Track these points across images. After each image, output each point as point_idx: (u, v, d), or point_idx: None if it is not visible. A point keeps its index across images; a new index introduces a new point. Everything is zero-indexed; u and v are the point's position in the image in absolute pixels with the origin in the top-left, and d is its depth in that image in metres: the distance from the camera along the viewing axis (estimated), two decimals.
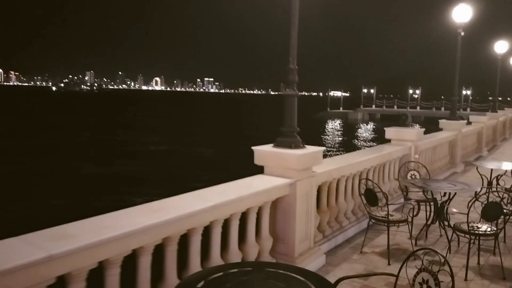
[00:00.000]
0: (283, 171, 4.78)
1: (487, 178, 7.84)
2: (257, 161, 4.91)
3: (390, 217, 5.33)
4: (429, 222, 5.98)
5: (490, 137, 17.51)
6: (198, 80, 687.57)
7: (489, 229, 4.81)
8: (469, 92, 62.90)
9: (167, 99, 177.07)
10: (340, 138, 42.07)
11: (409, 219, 5.61)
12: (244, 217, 4.32)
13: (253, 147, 4.93)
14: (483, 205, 4.69)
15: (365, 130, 51.16)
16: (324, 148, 5.08)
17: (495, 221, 4.79)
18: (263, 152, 4.89)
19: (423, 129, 8.76)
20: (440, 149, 10.99)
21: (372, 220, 5.49)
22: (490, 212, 4.61)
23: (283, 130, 4.92)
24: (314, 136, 41.60)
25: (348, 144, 37.66)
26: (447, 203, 5.80)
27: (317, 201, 5.74)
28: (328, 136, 43.52)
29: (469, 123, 15.05)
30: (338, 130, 50.89)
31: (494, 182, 7.42)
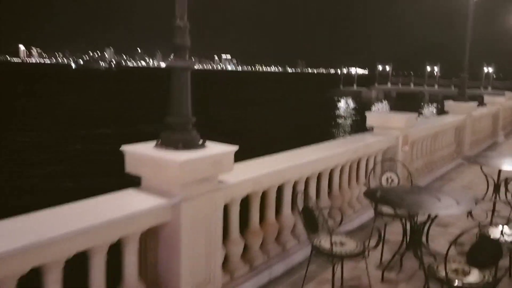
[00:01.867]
0: (167, 186, 3.16)
1: (493, 180, 6.06)
2: (130, 168, 3.27)
3: (339, 248, 3.68)
4: (402, 249, 4.31)
5: (508, 120, 15.43)
6: (216, 57, 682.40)
7: (479, 279, 3.08)
8: (491, 70, 59.45)
9: None
10: (350, 119, 39.92)
11: (371, 247, 3.92)
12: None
13: (124, 147, 3.29)
14: (472, 245, 2.99)
15: (378, 110, 48.87)
16: (235, 148, 3.40)
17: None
18: (138, 155, 3.26)
19: (416, 114, 6.96)
20: (442, 137, 9.17)
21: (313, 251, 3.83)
22: (482, 256, 2.91)
23: (169, 122, 3.26)
24: (320, 116, 39.71)
25: (357, 125, 35.64)
26: (426, 225, 4.11)
27: (247, 218, 4.15)
28: (336, 116, 41.45)
29: (483, 104, 13.10)
30: (348, 110, 48.61)
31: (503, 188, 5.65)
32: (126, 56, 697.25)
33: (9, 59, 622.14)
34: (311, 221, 3.66)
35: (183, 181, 3.07)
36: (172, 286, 3.16)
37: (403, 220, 4.34)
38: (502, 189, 5.87)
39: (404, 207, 3.97)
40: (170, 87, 3.23)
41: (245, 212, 4.18)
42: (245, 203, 4.11)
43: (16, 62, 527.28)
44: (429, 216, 4.00)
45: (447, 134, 9.47)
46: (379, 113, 6.72)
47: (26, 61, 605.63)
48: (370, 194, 4.20)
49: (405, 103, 52.61)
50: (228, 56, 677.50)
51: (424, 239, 4.25)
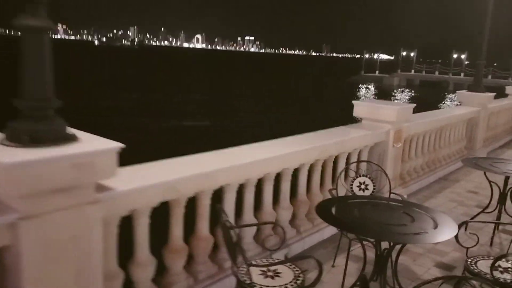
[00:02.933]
0: (3, 197, 2.27)
1: (498, 188, 4.98)
2: None
3: (268, 282, 2.74)
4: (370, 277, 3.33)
5: None
6: (239, 38, 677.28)
7: None
8: None
9: (202, 59, 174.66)
10: None
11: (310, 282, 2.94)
12: None
13: None
14: None
15: (399, 98, 46.94)
16: (117, 145, 2.46)
17: None
18: None
19: (412, 105, 5.87)
20: (450, 132, 8.03)
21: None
22: None
23: (17, 106, 2.34)
24: (338, 103, 38.28)
25: None
26: (392, 255, 3.13)
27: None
28: (347, 103, 39.89)
29: (503, 95, 11.82)
30: (364, 97, 46.82)
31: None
32: (149, 35, 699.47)
33: None
34: (229, 244, 2.72)
35: (21, 192, 2.16)
36: None
37: (373, 244, 3.35)
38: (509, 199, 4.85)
39: (359, 231, 2.98)
40: (19, 57, 2.30)
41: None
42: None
43: None
44: (389, 245, 3.01)
45: (456, 129, 8.31)
46: (367, 103, 5.68)
47: (52, 36, 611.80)
48: (322, 209, 3.21)
49: (428, 91, 50.60)
50: (252, 38, 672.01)
51: (392, 269, 3.26)
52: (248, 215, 3.91)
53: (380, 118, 5.58)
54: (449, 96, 48.25)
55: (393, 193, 4.15)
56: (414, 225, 3.01)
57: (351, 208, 3.30)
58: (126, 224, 2.97)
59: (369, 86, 55.15)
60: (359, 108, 5.70)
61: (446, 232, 2.94)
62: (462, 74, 54.76)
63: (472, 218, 3.89)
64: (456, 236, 3.18)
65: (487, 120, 9.27)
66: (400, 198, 3.81)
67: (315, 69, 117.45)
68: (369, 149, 5.59)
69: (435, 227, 2.98)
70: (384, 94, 48.95)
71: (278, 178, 4.24)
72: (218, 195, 3.62)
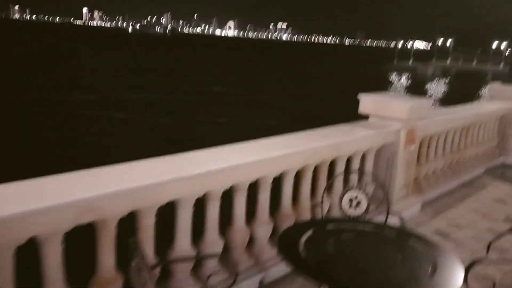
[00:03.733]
0: None
1: None
2: None
3: None
4: None
5: None
6: (271, 25, 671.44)
7: None
8: None
9: (230, 47, 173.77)
10: None
11: None
12: None
13: None
14: None
15: (433, 89, 44.90)
16: None
17: None
18: None
19: (429, 101, 5.00)
20: (478, 130, 7.08)
21: None
22: None
23: None
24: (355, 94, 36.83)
25: None
26: None
27: None
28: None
29: None
30: (393, 88, 44.95)
31: None
32: (183, 21, 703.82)
33: (72, 21, 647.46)
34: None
35: None
36: None
37: None
38: None
39: (324, 278, 2.23)
40: None
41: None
42: None
43: (78, 25, 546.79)
44: None
45: (486, 127, 7.33)
46: (375, 96, 4.82)
47: (88, 23, 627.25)
48: (287, 238, 2.48)
49: (464, 82, 48.29)
50: (284, 25, 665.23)
51: None
52: (211, 235, 3.22)
53: (390, 115, 4.75)
54: (487, 88, 45.89)
55: (393, 214, 3.36)
56: (403, 268, 2.25)
57: (327, 238, 2.56)
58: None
59: (401, 76, 53.13)
60: (366, 102, 4.88)
61: (446, 280, 2.17)
62: (501, 64, 51.92)
63: (492, 242, 3.07)
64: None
65: None
66: (398, 223, 3.03)
67: (345, 58, 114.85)
68: (376, 152, 4.79)
69: (433, 271, 2.22)
70: (414, 84, 47.05)
71: (255, 187, 3.54)
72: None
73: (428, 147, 5.85)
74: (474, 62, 53.93)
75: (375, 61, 75.35)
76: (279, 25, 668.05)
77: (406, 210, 4.96)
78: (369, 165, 4.73)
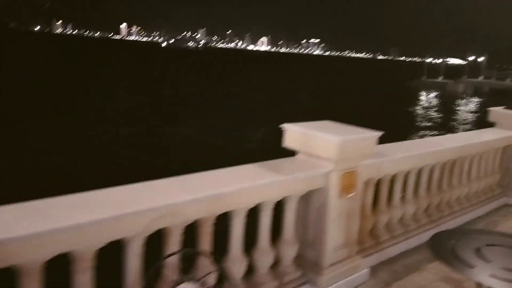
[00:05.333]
0: None
1: None
2: None
3: None
4: None
5: None
6: (303, 41, 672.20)
7: None
8: None
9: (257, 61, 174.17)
10: (422, 118, 34.76)
11: None
12: None
13: None
14: None
15: (463, 108, 42.55)
16: None
17: None
18: None
19: (377, 133, 3.76)
20: (471, 164, 5.77)
21: None
22: None
23: None
24: (393, 110, 35.28)
25: (427, 126, 30.89)
26: None
27: None
28: (411, 112, 36.46)
29: None
30: (426, 106, 42.79)
31: None
32: (217, 37, 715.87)
33: (112, 35, 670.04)
34: None
35: None
36: None
37: None
38: None
39: None
40: None
41: None
42: None
43: (115, 39, 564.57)
44: None
45: (482, 161, 5.99)
46: (301, 128, 3.66)
47: (126, 38, 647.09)
48: None
49: (499, 100, 45.65)
50: (316, 41, 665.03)
51: None
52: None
53: (318, 153, 3.59)
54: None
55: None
56: None
57: None
58: None
59: (429, 93, 50.89)
60: (291, 135, 3.73)
61: None
62: None
63: None
64: None
65: None
66: None
67: (374, 73, 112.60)
68: (305, 200, 3.64)
69: None
70: (445, 102, 44.80)
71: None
72: None
73: (391, 189, 4.63)
74: (508, 80, 51.11)
75: (404, 77, 73.04)
76: (312, 40, 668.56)
77: (344, 278, 3.76)
78: (288, 218, 3.58)
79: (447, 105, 42.43)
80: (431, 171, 5.10)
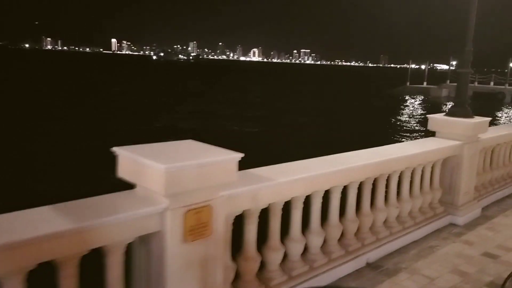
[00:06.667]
0: None
1: None
2: None
3: None
4: None
5: None
6: (295, 51, 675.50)
7: None
8: None
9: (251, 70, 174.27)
10: (400, 123, 34.07)
11: None
12: None
13: None
14: None
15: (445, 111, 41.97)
16: None
17: None
18: None
19: (236, 155, 2.93)
20: (402, 181, 4.98)
21: None
22: None
23: None
24: (379, 115, 34.68)
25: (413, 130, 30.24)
26: None
27: None
28: (388, 117, 35.79)
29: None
30: (405, 111, 42.05)
31: None
32: (208, 49, 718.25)
33: (102, 51, 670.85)
34: None
35: None
36: None
37: None
38: None
39: None
40: None
41: None
42: None
43: (106, 53, 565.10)
44: None
45: (416, 175, 5.20)
46: (132, 152, 2.86)
47: (116, 52, 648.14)
48: None
49: (481, 104, 45.23)
50: (308, 51, 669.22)
51: None
52: None
53: (149, 186, 2.76)
54: (506, 109, 42.86)
55: None
56: None
57: None
58: None
59: (413, 99, 50.38)
60: (122, 160, 2.91)
61: None
62: None
63: None
64: None
65: (476, 158, 6.00)
66: None
67: (361, 80, 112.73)
68: (142, 247, 2.81)
69: None
70: (430, 107, 44.26)
71: None
72: None
73: (289, 218, 3.81)
74: (491, 83, 50.79)
75: (390, 83, 72.76)
76: (303, 50, 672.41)
77: None
78: (110, 275, 2.73)
79: (428, 110, 41.85)
80: (347, 192, 4.31)
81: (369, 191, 4.59)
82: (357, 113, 36.47)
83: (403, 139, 25.60)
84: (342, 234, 4.38)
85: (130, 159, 2.86)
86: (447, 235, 5.36)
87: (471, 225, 5.67)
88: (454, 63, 56.61)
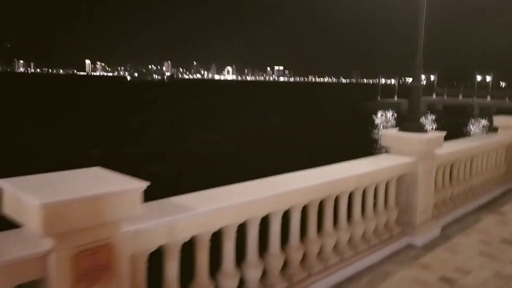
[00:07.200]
0: None
1: None
2: None
3: None
4: None
5: None
6: (268, 68, 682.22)
7: None
8: None
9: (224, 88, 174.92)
10: (369, 138, 34.27)
11: None
12: None
13: None
14: None
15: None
16: None
17: None
18: None
19: (138, 186, 2.54)
20: (352, 202, 4.64)
21: None
22: None
23: None
24: (354, 130, 34.77)
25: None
26: None
27: None
28: (358, 132, 35.98)
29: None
30: (375, 125, 42.44)
31: None
32: (182, 69, 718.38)
33: (76, 72, 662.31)
34: None
35: None
36: None
37: None
38: None
39: None
40: None
41: None
42: None
43: (81, 75, 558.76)
44: None
45: (368, 195, 4.88)
46: (10, 183, 2.44)
47: (91, 74, 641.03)
48: None
49: (452, 117, 46.15)
50: (281, 68, 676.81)
51: None
52: None
53: (29, 224, 2.34)
54: (476, 121, 43.75)
55: None
56: None
57: None
58: None
59: (384, 113, 50.97)
60: (6, 194, 2.47)
61: None
62: (488, 97, 49.95)
63: None
64: None
65: (433, 175, 5.74)
66: None
67: (332, 95, 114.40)
68: None
69: None
70: (401, 120, 44.86)
71: None
72: None
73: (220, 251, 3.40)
74: (460, 96, 51.99)
75: (361, 98, 73.74)
76: (276, 68, 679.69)
77: None
78: None
79: (398, 123, 42.38)
80: (289, 216, 3.94)
81: (315, 214, 4.23)
82: (325, 128, 36.63)
83: (372, 154, 25.60)
84: (286, 263, 4.00)
85: (11, 193, 2.42)
86: (403, 259, 5.03)
87: (430, 246, 5.37)
88: (423, 76, 57.88)
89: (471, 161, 7.13)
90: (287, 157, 21.79)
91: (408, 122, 5.54)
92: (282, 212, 3.81)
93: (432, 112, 50.89)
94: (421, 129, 5.45)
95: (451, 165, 6.60)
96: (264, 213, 3.62)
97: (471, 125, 42.53)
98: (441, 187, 6.32)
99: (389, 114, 50.73)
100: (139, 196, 2.56)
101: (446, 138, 5.91)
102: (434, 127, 41.11)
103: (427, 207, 5.65)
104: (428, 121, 46.38)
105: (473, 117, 46.93)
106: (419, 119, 5.56)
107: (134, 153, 24.33)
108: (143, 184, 2.55)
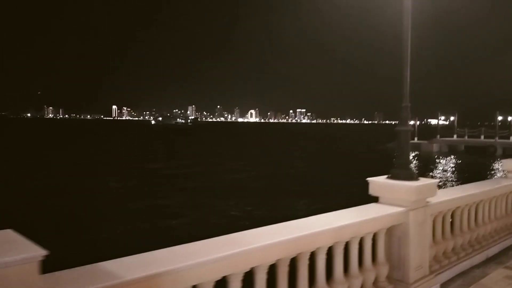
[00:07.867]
0: None
1: None
2: None
3: None
4: None
5: None
6: (291, 111, 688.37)
7: None
8: None
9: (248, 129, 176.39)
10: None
11: None
12: None
13: None
14: None
15: (441, 167, 41.34)
16: None
17: None
18: None
19: (34, 255, 2.27)
20: (337, 257, 4.23)
21: None
22: None
23: None
24: (375, 169, 33.88)
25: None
26: None
27: None
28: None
29: None
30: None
31: None
32: (206, 112, 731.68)
33: (102, 117, 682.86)
34: None
35: None
36: None
37: None
38: None
39: None
40: None
41: None
42: None
43: (107, 119, 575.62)
44: None
45: (352, 250, 4.45)
46: None
47: (117, 119, 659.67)
48: None
49: (475, 158, 44.83)
50: (303, 110, 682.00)
51: None
52: None
53: None
54: (497, 163, 42.27)
55: None
56: None
57: None
58: None
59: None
60: None
61: None
62: (511, 138, 48.50)
63: None
64: None
65: (427, 226, 5.28)
66: None
67: (353, 136, 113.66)
68: None
69: None
70: (424, 162, 43.71)
71: None
72: None
73: None
74: (482, 137, 50.68)
75: (381, 139, 72.82)
76: (299, 110, 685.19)
77: None
78: None
79: (420, 164, 41.30)
80: (253, 278, 3.57)
81: (285, 275, 3.84)
82: (344, 169, 35.95)
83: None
84: None
85: None
86: None
87: None
88: (442, 118, 57.02)
89: (476, 209, 6.62)
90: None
91: (396, 168, 5.16)
92: (242, 274, 3.44)
93: (453, 153, 49.62)
94: (410, 176, 5.06)
95: (452, 214, 6.11)
96: (218, 276, 3.26)
97: (494, 166, 41.09)
98: (441, 238, 5.82)
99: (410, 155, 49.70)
100: (35, 268, 2.28)
101: (467, 180, 5.49)
102: (453, 168, 39.90)
103: (423, 262, 5.15)
104: (448, 161, 45.17)
105: (496, 158, 45.44)
106: (409, 165, 5.17)
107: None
108: (39, 254, 2.28)
